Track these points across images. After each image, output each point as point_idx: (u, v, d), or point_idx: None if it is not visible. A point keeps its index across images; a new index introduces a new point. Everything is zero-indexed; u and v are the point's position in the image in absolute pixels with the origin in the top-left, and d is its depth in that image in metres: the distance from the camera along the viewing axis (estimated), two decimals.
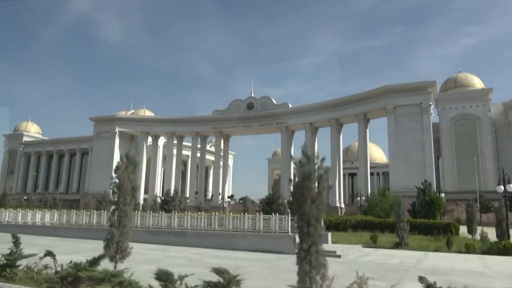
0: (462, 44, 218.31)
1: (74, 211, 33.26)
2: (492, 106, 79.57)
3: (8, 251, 12.96)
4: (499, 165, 70.49)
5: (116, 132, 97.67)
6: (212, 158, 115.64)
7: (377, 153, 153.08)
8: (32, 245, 16.91)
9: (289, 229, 21.81)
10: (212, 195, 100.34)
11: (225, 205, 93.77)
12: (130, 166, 13.45)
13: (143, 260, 17.59)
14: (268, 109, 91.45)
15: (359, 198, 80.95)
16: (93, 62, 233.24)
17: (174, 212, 30.83)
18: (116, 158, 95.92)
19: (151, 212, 32.75)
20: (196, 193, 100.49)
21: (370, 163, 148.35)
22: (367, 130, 79.46)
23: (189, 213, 29.36)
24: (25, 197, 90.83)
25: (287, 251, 19.60)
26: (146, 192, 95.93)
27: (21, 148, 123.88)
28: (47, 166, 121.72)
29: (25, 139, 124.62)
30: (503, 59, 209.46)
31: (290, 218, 22.17)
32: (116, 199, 13.05)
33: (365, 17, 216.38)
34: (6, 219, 34.51)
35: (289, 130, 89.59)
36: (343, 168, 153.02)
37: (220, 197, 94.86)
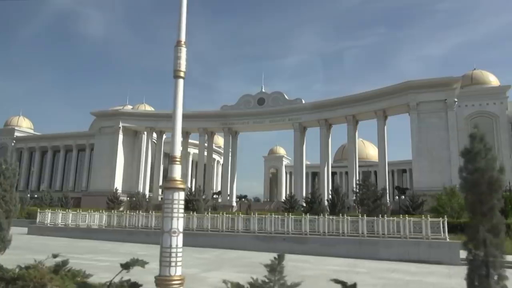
0: (444, 45, 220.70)
1: (127, 211, 29.84)
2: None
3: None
4: None
5: (120, 127, 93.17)
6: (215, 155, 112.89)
7: (373, 151, 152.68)
8: (119, 253, 13.74)
9: (446, 235, 19.16)
10: (219, 193, 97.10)
11: (233, 204, 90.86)
12: None
13: None
14: (280, 105, 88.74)
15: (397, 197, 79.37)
16: (75, 57, 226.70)
17: (288, 214, 27.78)
18: (120, 154, 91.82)
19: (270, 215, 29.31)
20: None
21: (366, 161, 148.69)
22: (385, 127, 77.76)
23: (308, 216, 26.20)
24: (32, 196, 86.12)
25: (445, 261, 16.94)
26: (150, 190, 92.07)
27: (12, 144, 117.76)
28: (40, 163, 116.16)
29: (16, 134, 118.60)
30: (485, 60, 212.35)
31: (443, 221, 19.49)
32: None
33: (348, 18, 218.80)
34: (68, 221, 30.78)
35: (301, 127, 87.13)
36: (340, 167, 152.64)
37: (228, 195, 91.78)
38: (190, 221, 27.92)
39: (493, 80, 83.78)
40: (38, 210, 37.05)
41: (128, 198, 79.52)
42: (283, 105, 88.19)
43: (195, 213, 29.50)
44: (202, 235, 27.46)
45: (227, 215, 28.69)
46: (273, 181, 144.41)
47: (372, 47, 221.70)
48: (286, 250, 21.93)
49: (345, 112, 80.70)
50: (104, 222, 29.83)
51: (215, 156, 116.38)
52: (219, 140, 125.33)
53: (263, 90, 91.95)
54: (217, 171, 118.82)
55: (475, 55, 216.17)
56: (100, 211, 31.58)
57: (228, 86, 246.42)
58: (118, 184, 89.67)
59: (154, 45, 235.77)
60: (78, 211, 34.21)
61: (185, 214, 29.59)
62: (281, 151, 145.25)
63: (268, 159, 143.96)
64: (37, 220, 33.52)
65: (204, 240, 26.46)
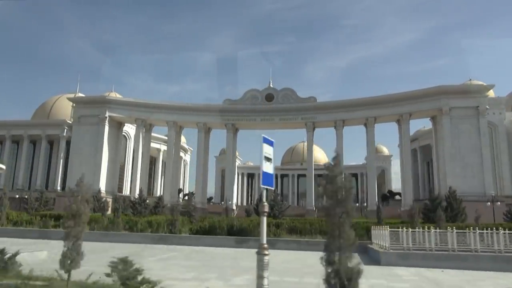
0: (347, 59, 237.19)
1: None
2: None
3: None
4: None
5: (106, 117, 79.86)
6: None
7: (321, 155, 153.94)
8: None
9: None
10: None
11: (233, 208, 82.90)
12: None
13: None
14: (291, 102, 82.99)
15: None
16: None
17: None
18: (105, 149, 79.04)
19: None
20: (189, 194, 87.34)
21: (315, 164, 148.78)
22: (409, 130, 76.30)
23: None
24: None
25: None
26: (150, 193, 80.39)
27: None
28: None
29: None
30: (383, 76, 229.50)
31: None
32: None
33: (261, 24, 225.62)
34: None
35: (312, 127, 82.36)
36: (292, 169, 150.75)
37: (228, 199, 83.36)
38: None
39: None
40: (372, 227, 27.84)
41: (112, 199, 67.46)
42: (295, 102, 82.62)
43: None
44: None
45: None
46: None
47: (282, 54, 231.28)
48: None
49: (365, 114, 77.69)
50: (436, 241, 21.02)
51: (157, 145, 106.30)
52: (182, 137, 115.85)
53: (271, 86, 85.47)
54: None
55: (373, 70, 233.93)
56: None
57: (136, 80, 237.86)
58: (102, 183, 76.79)
59: (58, 34, 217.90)
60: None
61: None
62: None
63: (219, 159, 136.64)
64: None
65: None
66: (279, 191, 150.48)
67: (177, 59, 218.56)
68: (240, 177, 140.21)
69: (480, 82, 79.15)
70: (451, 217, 43.18)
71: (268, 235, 29.42)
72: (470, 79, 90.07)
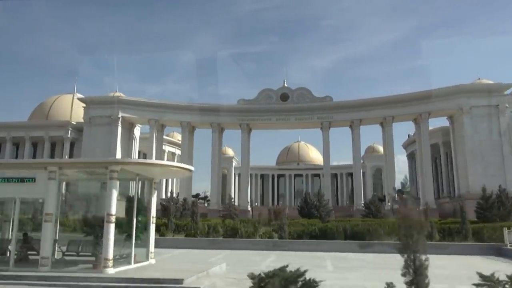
0: (328, 59, 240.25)
1: None
2: None
3: None
4: None
5: (119, 117, 77.46)
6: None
7: (316, 155, 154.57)
8: None
9: None
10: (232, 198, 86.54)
11: (249, 209, 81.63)
12: None
13: None
14: (306, 102, 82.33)
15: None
16: None
17: None
18: (119, 151, 76.66)
19: None
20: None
21: (312, 164, 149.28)
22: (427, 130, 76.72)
23: None
24: None
25: None
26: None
27: None
28: None
29: None
30: (363, 75, 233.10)
31: None
32: None
33: (243, 24, 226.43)
34: None
35: (328, 126, 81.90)
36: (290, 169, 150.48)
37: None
38: None
39: None
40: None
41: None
42: (310, 102, 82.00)
43: None
44: None
45: None
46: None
47: (265, 55, 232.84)
48: None
49: (383, 113, 77.71)
50: None
51: (170, 148, 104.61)
52: (175, 135, 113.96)
53: (286, 85, 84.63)
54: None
55: (355, 70, 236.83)
56: None
57: (118, 80, 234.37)
58: None
59: (35, 34, 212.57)
60: None
61: None
62: (230, 152, 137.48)
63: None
64: None
65: None
66: (276, 191, 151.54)
67: (159, 59, 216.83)
68: (237, 177, 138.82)
69: (490, 81, 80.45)
70: (503, 216, 43.26)
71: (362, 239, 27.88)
72: (479, 78, 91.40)
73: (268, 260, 22.78)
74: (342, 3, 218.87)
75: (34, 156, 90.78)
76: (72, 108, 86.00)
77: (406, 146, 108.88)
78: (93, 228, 18.77)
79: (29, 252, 20.43)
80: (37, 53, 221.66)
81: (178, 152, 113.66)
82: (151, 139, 79.86)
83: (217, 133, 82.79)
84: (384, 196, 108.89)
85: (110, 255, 17.40)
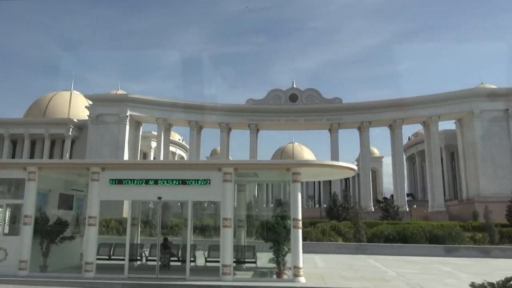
0: (313, 61, 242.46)
1: None
2: None
3: None
4: None
5: (127, 116, 75.69)
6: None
7: (310, 156, 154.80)
8: None
9: None
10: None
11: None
12: None
13: None
14: (315, 103, 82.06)
15: None
16: None
17: None
18: (127, 148, 74.93)
19: None
20: None
21: None
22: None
23: None
24: None
25: None
26: None
27: None
28: None
29: None
30: (346, 78, 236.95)
31: None
32: None
33: (230, 24, 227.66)
34: None
35: (338, 128, 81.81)
36: None
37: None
38: None
39: None
40: None
41: None
42: (320, 103, 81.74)
43: None
44: None
45: None
46: None
47: (251, 55, 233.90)
48: None
49: (392, 116, 78.06)
50: None
51: (171, 148, 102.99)
52: (176, 134, 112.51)
53: (295, 86, 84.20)
54: None
55: (339, 72, 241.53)
56: None
57: (101, 77, 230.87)
58: None
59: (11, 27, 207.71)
60: None
61: None
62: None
63: (210, 159, 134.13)
64: None
65: None
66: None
67: (143, 57, 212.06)
68: None
69: (493, 86, 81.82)
70: None
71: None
72: (482, 83, 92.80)
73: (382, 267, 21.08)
74: (328, 6, 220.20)
75: (32, 155, 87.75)
76: (70, 105, 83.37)
77: (405, 149, 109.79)
78: (277, 234, 17.58)
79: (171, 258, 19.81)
80: (14, 46, 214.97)
81: (178, 151, 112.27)
82: (159, 138, 78.39)
83: (226, 132, 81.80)
84: (385, 198, 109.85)
85: (229, 261, 16.54)
